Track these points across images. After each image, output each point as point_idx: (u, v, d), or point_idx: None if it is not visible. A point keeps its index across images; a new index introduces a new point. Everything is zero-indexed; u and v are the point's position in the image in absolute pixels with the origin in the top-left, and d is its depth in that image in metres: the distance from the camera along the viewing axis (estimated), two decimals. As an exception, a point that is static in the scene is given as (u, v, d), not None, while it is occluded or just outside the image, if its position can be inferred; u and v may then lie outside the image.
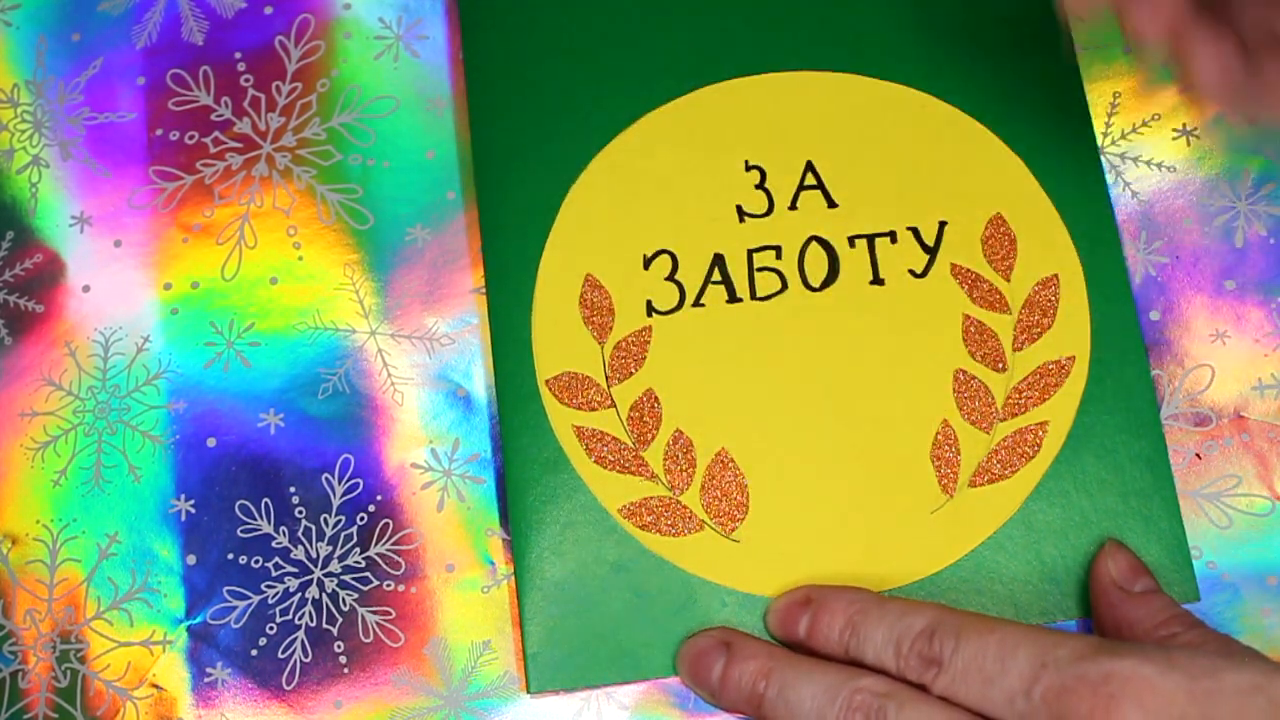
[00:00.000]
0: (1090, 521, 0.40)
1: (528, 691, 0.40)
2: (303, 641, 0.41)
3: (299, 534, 0.42)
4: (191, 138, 0.45)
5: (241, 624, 0.41)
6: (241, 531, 0.42)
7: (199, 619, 0.41)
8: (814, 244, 0.42)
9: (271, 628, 0.41)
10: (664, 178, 0.43)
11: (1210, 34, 0.30)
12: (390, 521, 0.42)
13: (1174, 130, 0.44)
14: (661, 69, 0.44)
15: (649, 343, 0.42)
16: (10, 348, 0.44)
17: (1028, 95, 0.43)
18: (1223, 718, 0.31)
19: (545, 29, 0.44)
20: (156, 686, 0.41)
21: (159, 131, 0.45)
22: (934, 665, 0.35)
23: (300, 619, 0.41)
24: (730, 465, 0.41)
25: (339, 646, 0.41)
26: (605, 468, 0.41)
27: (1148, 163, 0.44)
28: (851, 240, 0.42)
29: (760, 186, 0.43)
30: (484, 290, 0.43)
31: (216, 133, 0.45)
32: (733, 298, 0.42)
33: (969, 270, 0.42)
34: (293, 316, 0.44)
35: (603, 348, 0.42)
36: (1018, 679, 0.33)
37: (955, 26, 0.44)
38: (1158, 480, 0.40)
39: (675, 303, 0.42)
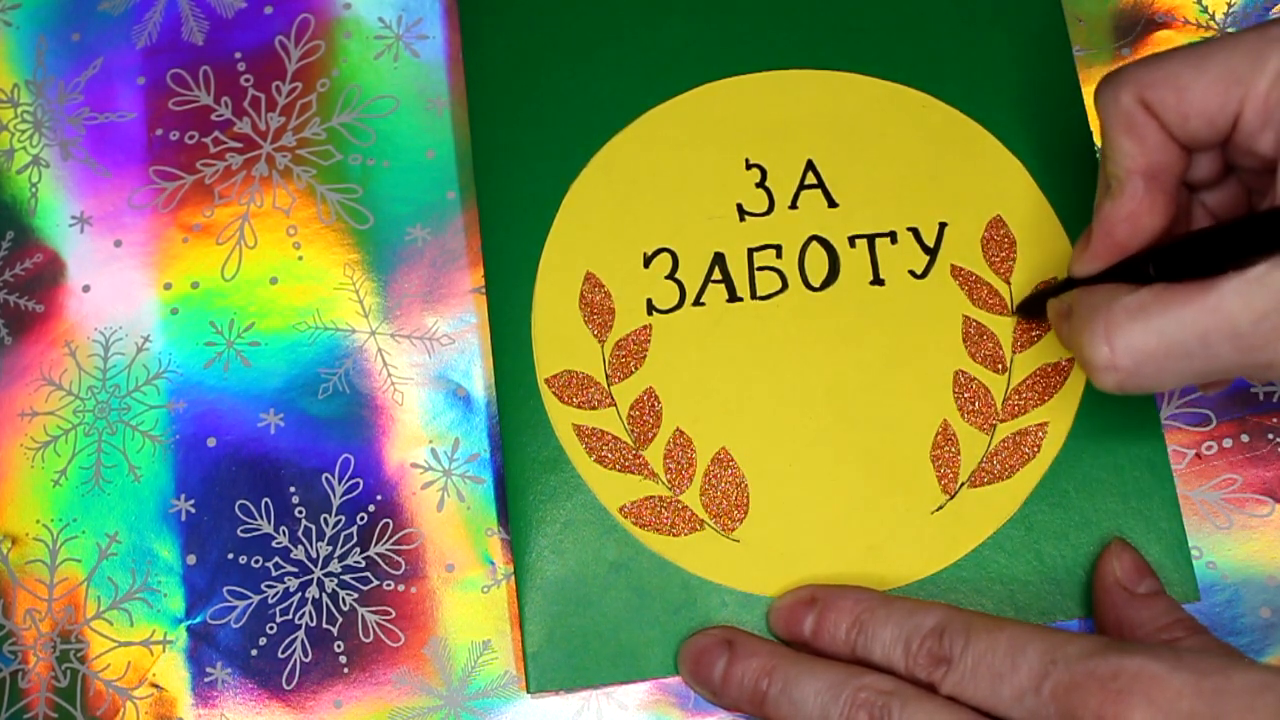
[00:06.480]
0: (1090, 522, 0.40)
1: (528, 691, 0.40)
2: (303, 641, 0.41)
3: (299, 534, 0.42)
4: (191, 138, 0.45)
5: (241, 624, 0.41)
6: (241, 531, 0.42)
7: (199, 619, 0.41)
8: (814, 243, 0.42)
9: (271, 627, 0.41)
10: (664, 176, 0.43)
11: None
12: (390, 521, 0.42)
13: (1173, 131, 0.44)
14: (661, 67, 0.44)
15: (649, 341, 0.42)
16: (10, 348, 0.44)
17: (1027, 97, 0.43)
18: (1231, 715, 0.31)
19: (545, 29, 0.44)
20: (156, 686, 0.41)
21: (159, 131, 0.45)
22: (943, 663, 0.35)
23: (300, 619, 0.41)
24: (730, 465, 0.41)
25: (339, 646, 0.41)
26: (605, 467, 0.41)
27: (1147, 164, 0.44)
28: (852, 240, 0.42)
29: (761, 185, 0.43)
30: (484, 290, 0.43)
31: (216, 133, 0.45)
32: (733, 297, 0.42)
33: (969, 271, 0.42)
34: (293, 316, 0.44)
35: (603, 346, 0.42)
36: (1028, 675, 0.33)
37: (955, 27, 0.44)
38: (1158, 480, 0.40)
39: (675, 301, 0.42)
